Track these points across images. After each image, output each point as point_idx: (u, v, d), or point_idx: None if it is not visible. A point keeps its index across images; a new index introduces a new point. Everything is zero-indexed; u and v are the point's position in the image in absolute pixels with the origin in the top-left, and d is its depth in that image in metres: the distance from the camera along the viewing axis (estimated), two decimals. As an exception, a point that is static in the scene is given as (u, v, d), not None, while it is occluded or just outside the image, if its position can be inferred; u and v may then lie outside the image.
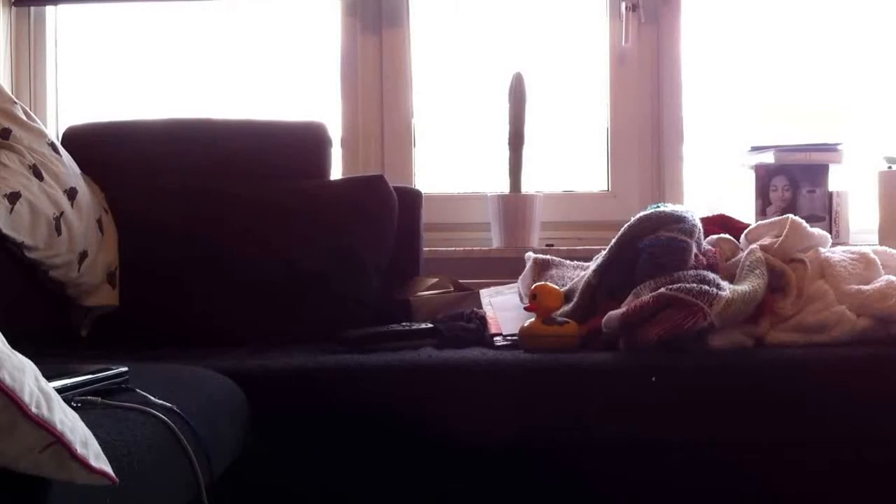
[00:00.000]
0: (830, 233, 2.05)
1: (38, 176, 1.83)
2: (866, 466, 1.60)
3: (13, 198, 1.74)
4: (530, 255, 2.06)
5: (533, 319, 1.72)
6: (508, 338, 1.77)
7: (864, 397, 1.59)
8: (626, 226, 1.81)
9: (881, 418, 1.58)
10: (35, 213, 1.77)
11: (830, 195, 2.33)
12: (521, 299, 1.93)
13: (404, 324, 1.85)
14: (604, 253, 1.83)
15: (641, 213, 1.82)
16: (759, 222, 1.93)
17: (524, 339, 1.71)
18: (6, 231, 1.71)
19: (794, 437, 1.60)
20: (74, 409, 0.90)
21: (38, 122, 1.93)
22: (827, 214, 2.31)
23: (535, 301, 1.72)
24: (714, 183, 2.56)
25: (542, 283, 1.80)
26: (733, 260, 1.82)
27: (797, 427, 1.59)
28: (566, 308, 1.78)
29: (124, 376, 1.19)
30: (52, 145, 1.92)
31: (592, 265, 1.84)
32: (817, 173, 2.32)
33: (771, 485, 1.59)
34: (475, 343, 1.77)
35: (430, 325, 1.82)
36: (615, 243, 1.80)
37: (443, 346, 1.75)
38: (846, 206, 2.34)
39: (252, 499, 1.51)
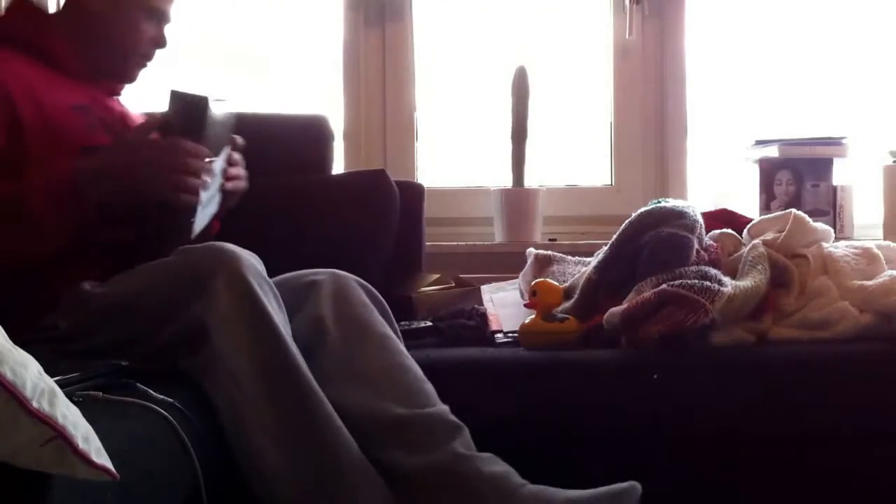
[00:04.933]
0: (835, 228, 2.04)
1: (40, 170, 1.82)
2: (870, 462, 1.60)
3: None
4: (531, 251, 2.06)
5: (533, 316, 1.72)
6: (509, 335, 1.77)
7: (867, 393, 1.58)
8: (626, 222, 1.80)
9: (885, 414, 1.58)
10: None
11: (835, 190, 2.31)
12: (522, 296, 1.92)
13: (404, 322, 1.84)
14: (605, 249, 1.82)
15: (642, 209, 1.81)
16: (762, 217, 1.92)
17: (524, 336, 1.71)
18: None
19: (796, 433, 1.59)
20: (75, 404, 0.90)
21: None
22: (831, 209, 2.30)
23: (535, 298, 1.71)
24: (718, 177, 2.55)
25: (542, 279, 1.79)
26: (735, 255, 1.81)
27: (800, 423, 1.59)
28: (567, 305, 1.77)
29: (125, 371, 1.20)
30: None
31: (593, 262, 1.84)
32: (822, 167, 2.31)
33: (773, 481, 1.59)
34: (475, 341, 1.77)
35: (430, 324, 1.82)
36: (616, 240, 1.79)
37: (443, 344, 1.75)
38: (850, 200, 2.33)
39: (252, 494, 1.51)
